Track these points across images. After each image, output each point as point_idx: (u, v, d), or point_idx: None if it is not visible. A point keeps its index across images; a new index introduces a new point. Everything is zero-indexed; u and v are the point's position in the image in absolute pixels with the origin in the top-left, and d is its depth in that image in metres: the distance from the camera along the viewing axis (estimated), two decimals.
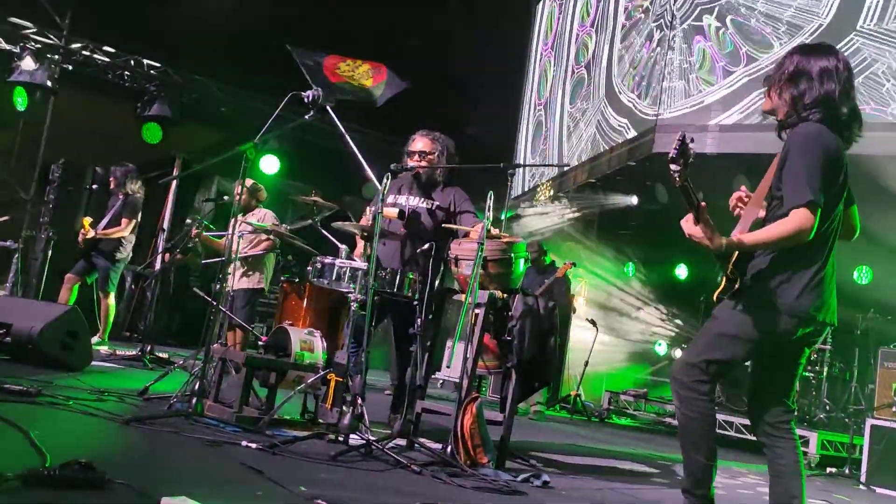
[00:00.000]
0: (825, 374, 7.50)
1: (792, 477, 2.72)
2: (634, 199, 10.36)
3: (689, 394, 2.74)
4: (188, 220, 10.70)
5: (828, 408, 7.42)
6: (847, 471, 6.07)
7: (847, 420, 7.02)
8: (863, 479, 5.73)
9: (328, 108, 5.38)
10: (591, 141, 9.50)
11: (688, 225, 2.65)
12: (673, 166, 2.44)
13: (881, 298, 7.74)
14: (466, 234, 4.50)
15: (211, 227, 6.92)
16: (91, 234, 7.29)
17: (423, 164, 4.73)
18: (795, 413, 2.84)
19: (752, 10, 7.31)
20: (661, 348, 11.52)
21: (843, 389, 7.54)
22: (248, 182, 6.53)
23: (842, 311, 8.18)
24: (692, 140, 2.49)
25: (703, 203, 2.59)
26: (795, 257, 2.68)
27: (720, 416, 7.48)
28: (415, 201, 4.77)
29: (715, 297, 2.86)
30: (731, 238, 2.65)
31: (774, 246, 2.67)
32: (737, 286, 2.77)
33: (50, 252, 9.22)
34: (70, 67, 9.95)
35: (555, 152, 10.61)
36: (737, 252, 2.73)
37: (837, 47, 2.86)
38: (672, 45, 7.85)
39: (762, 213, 2.82)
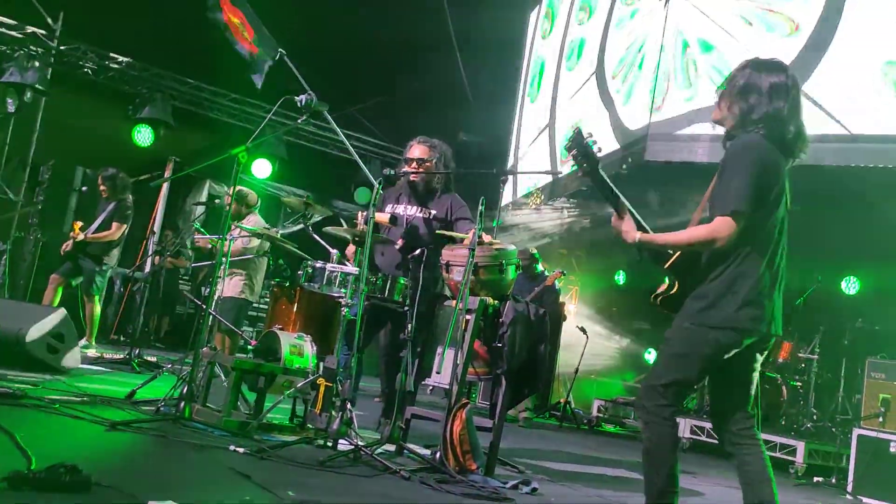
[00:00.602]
0: (812, 383, 7.53)
1: (762, 483, 2.72)
2: None
3: (651, 418, 2.78)
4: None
5: (815, 417, 7.44)
6: (834, 480, 6.09)
7: (834, 430, 7.04)
8: (849, 488, 5.74)
9: (325, 112, 5.37)
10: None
11: (614, 217, 2.82)
12: (568, 154, 2.74)
13: (868, 308, 7.78)
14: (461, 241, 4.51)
15: (202, 230, 6.89)
16: (80, 236, 7.25)
17: (421, 171, 4.72)
18: (755, 417, 2.84)
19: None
20: (651, 356, 11.54)
21: (830, 399, 7.56)
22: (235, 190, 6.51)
23: (829, 321, 8.13)
24: (590, 135, 2.76)
25: (621, 198, 2.78)
26: (736, 270, 2.71)
27: (706, 425, 7.48)
28: (412, 211, 4.75)
29: (652, 298, 2.93)
30: (645, 234, 2.78)
31: (685, 248, 2.78)
32: (674, 291, 2.84)
33: (38, 253, 9.18)
34: (61, 69, 9.91)
35: (546, 157, 10.64)
36: (676, 256, 2.83)
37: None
38: (665, 52, 7.88)
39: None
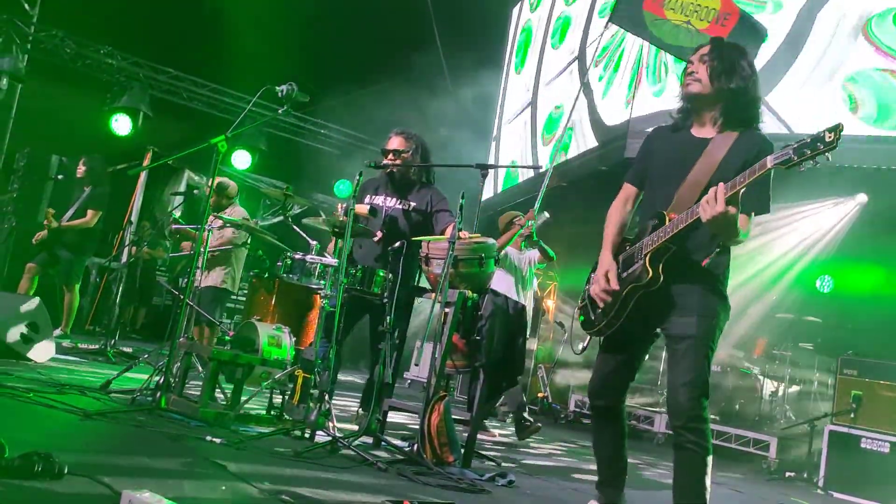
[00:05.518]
0: (786, 380, 7.63)
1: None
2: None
3: (705, 426, 2.56)
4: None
5: (788, 413, 7.55)
6: (805, 475, 6.18)
7: (806, 425, 7.14)
8: (821, 483, 5.83)
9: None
10: (562, 143, 9.55)
11: (722, 196, 2.42)
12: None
13: (841, 307, 7.89)
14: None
15: (180, 220, 6.83)
16: (54, 224, 7.15)
17: (398, 162, 4.73)
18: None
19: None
20: None
21: (803, 395, 7.67)
22: (215, 182, 6.46)
23: (802, 319, 8.18)
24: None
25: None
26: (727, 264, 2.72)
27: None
28: (391, 202, 4.75)
29: (635, 292, 2.70)
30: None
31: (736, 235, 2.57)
32: (651, 280, 2.64)
33: (13, 242, 9.06)
34: (38, 56, 9.78)
35: (528, 154, 10.67)
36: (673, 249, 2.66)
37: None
38: (645, 46, 7.93)
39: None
